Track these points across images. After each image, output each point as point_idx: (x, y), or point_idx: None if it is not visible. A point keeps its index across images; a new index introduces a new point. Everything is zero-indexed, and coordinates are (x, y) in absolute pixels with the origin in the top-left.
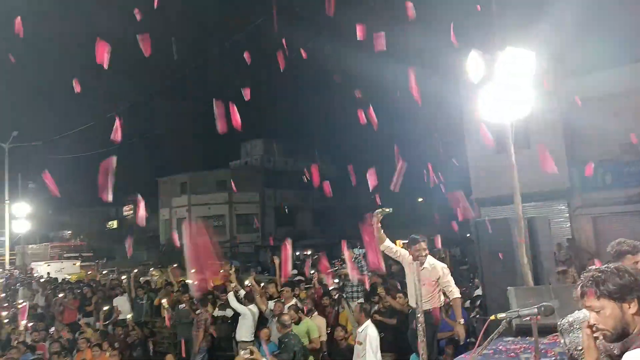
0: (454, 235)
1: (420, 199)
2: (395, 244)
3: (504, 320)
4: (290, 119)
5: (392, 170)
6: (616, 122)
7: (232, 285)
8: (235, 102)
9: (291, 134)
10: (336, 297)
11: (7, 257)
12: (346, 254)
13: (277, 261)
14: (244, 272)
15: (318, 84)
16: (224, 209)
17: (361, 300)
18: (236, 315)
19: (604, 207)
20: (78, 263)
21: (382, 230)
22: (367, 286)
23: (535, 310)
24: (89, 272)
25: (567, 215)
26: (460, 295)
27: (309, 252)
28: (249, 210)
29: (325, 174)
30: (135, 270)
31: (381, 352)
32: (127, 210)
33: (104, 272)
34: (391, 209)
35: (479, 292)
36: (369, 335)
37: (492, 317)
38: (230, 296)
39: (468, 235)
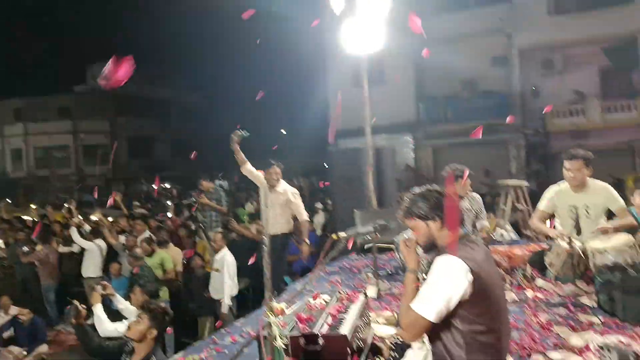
0: (313, 165)
1: (282, 130)
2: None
3: (344, 238)
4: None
5: (256, 102)
6: (460, 61)
7: (75, 220)
8: (80, 19)
9: (148, 57)
10: (193, 227)
11: None
12: (205, 183)
13: (118, 197)
14: (92, 207)
15: (181, 8)
16: (68, 139)
17: (219, 229)
18: (84, 251)
19: (444, 140)
20: None
21: (242, 154)
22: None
23: (372, 228)
24: None
25: (412, 146)
26: (308, 219)
27: (168, 185)
28: (97, 141)
29: (186, 103)
30: None
31: (238, 278)
32: None
33: None
34: (247, 132)
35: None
36: (226, 261)
37: (334, 236)
38: (73, 231)
39: (324, 165)
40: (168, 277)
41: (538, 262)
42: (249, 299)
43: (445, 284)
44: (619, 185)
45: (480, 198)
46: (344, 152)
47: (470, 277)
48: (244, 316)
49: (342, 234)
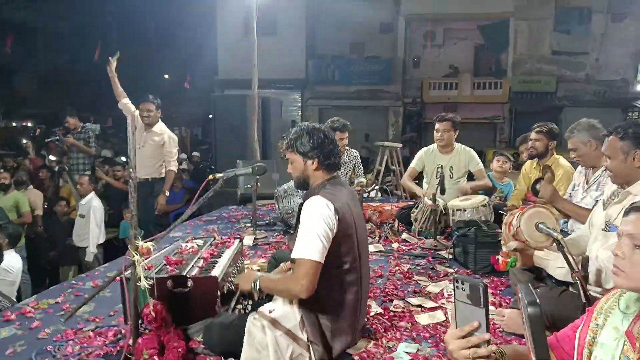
0: (200, 116)
1: (165, 76)
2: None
3: (220, 179)
4: None
5: (140, 43)
6: (350, 23)
7: None
8: None
9: None
10: (56, 169)
11: None
12: (72, 121)
13: None
14: None
15: None
16: None
17: (87, 172)
18: None
19: (330, 100)
20: None
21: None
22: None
23: (250, 169)
24: None
25: (300, 104)
26: (174, 169)
27: (30, 124)
28: None
29: (55, 29)
30: None
31: (108, 227)
32: None
33: None
34: (118, 53)
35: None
36: (92, 207)
37: (210, 177)
38: None
39: (210, 116)
40: (23, 221)
41: (404, 218)
42: (118, 250)
43: (318, 224)
44: (481, 157)
45: (358, 154)
46: (229, 99)
47: (336, 216)
48: None
49: (218, 175)
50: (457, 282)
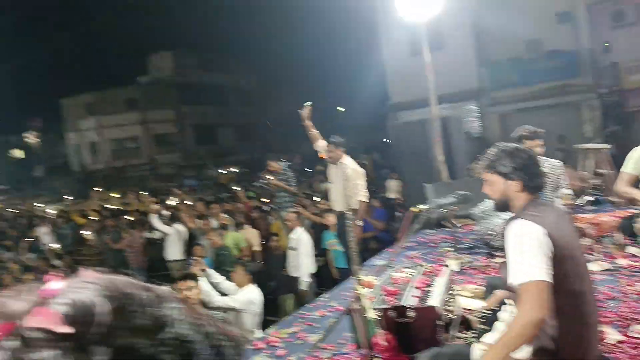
0: (373, 141)
1: (339, 108)
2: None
3: (425, 211)
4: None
5: (311, 81)
6: (521, 20)
7: (154, 207)
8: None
9: (202, 44)
10: (266, 208)
11: None
12: (274, 164)
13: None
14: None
15: None
16: (138, 130)
17: (291, 209)
18: (165, 236)
19: (510, 105)
20: None
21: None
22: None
23: (454, 198)
24: None
25: (478, 114)
26: (364, 200)
27: (234, 169)
28: (165, 130)
29: (243, 87)
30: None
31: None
32: (29, 137)
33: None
34: (311, 103)
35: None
36: (301, 240)
37: (413, 209)
38: (153, 217)
39: (387, 140)
40: (243, 256)
41: (628, 229)
42: (327, 276)
43: (532, 245)
44: None
45: (562, 164)
46: (407, 125)
47: (547, 238)
48: (322, 293)
49: (422, 206)
50: None
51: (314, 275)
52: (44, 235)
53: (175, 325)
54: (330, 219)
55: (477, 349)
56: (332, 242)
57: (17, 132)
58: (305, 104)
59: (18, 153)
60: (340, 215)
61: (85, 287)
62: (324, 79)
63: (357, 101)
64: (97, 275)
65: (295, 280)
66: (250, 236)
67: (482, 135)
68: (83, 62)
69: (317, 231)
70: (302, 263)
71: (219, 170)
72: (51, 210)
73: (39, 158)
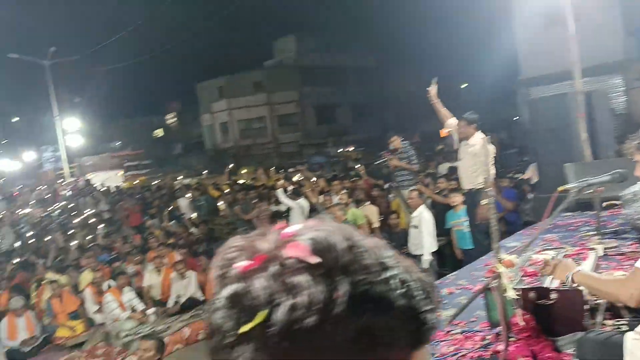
0: (499, 119)
1: (463, 85)
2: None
3: (574, 190)
4: (320, 11)
5: (431, 58)
6: None
7: (280, 182)
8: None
9: (322, 26)
10: (386, 186)
11: (66, 169)
12: (394, 142)
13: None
14: (288, 171)
15: None
16: (264, 111)
17: (413, 187)
18: (289, 209)
19: None
20: (121, 173)
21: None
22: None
23: (609, 177)
24: (136, 182)
25: (623, 88)
26: (490, 177)
27: (352, 148)
28: (288, 110)
29: (362, 68)
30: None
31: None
32: (169, 118)
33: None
34: (436, 78)
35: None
36: (423, 218)
37: (560, 189)
38: (279, 192)
39: (515, 118)
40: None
41: None
42: (449, 257)
43: None
44: None
45: None
46: (543, 101)
47: None
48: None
49: (570, 186)
50: None
51: (434, 255)
52: (183, 206)
53: (395, 269)
54: (456, 199)
55: (630, 338)
56: (457, 222)
57: (159, 114)
58: (432, 81)
59: (159, 132)
60: (472, 193)
61: (320, 229)
62: (445, 56)
63: (481, 78)
64: (324, 222)
65: (416, 259)
66: (370, 213)
67: (628, 112)
68: (215, 49)
69: (438, 211)
70: (424, 241)
71: (339, 150)
72: (188, 183)
73: (177, 137)
